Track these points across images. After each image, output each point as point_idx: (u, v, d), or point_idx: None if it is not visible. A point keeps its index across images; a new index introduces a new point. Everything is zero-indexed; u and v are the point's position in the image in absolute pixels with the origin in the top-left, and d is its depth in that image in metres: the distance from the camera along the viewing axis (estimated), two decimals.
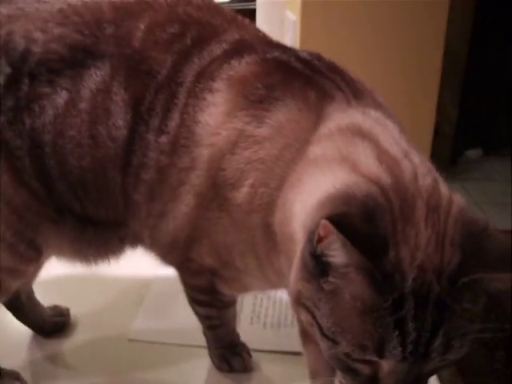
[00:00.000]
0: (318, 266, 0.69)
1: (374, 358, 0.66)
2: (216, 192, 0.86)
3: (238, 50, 0.89)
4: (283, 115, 0.82)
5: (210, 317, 1.08)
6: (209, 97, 0.86)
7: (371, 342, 0.65)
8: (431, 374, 0.71)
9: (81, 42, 0.91)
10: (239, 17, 0.98)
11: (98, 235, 1.01)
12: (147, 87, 0.89)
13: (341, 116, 0.81)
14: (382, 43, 2.62)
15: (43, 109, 0.90)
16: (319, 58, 0.91)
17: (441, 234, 0.67)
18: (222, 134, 0.85)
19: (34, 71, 0.90)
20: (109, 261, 1.06)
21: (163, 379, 1.16)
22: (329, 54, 0.91)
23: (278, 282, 0.90)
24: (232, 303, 1.09)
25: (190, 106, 0.87)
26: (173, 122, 0.88)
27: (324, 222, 0.64)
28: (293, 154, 0.81)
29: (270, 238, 0.85)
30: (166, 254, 0.99)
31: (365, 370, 0.69)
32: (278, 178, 0.82)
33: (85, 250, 1.03)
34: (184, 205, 0.89)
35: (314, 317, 0.70)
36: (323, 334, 0.69)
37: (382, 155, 0.74)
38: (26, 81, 0.90)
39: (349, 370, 0.71)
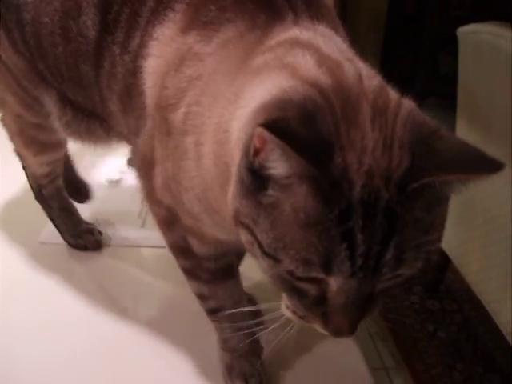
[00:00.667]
0: (255, 181, 0.62)
1: (321, 275, 0.61)
2: (161, 115, 0.81)
3: None
4: (230, 34, 0.77)
5: (202, 295, 0.96)
6: (170, 14, 0.83)
7: (316, 256, 0.59)
8: (384, 293, 0.66)
9: None
10: None
11: (84, 120, 1.04)
12: None
13: (284, 33, 0.75)
14: None
15: None
16: None
17: (389, 136, 0.61)
18: (172, 46, 0.81)
19: None
20: (98, 146, 1.10)
21: (75, 281, 1.16)
22: None
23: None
24: (222, 276, 0.96)
25: (151, 25, 0.84)
26: (134, 42, 0.85)
27: (259, 130, 0.57)
28: (231, 68, 0.75)
29: (207, 169, 0.76)
30: (139, 178, 0.94)
31: (312, 290, 0.64)
32: (211, 95, 0.75)
33: (76, 127, 1.06)
34: (147, 125, 0.87)
35: (253, 234, 0.64)
36: (264, 252, 0.63)
37: (323, 59, 0.68)
38: None
39: (295, 292, 0.65)
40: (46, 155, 1.18)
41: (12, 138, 1.16)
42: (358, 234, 0.57)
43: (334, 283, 0.61)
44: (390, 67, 3.98)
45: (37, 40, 0.95)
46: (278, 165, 0.59)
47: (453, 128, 2.03)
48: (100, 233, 1.26)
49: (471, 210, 1.99)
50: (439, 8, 4.02)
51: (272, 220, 0.61)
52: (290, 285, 0.64)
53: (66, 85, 0.99)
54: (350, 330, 0.64)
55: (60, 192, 1.25)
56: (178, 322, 1.08)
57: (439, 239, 0.65)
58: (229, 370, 0.99)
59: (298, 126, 0.58)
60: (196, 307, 0.96)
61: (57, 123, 1.07)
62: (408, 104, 0.65)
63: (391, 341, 2.22)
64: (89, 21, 0.89)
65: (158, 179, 0.84)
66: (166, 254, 0.93)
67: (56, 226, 1.25)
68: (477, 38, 1.79)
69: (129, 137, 0.94)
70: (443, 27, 4.00)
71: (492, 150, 1.77)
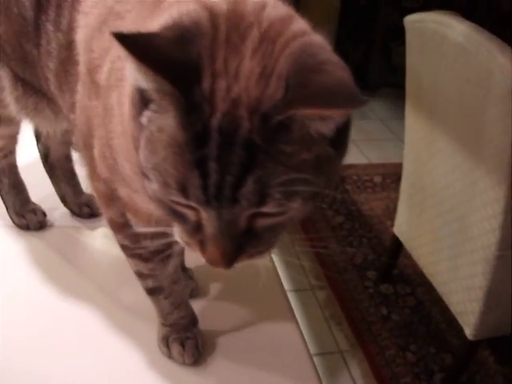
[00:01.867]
0: (140, 102, 0.62)
1: (181, 199, 0.60)
2: (91, 78, 0.80)
3: None
4: None
5: (141, 274, 0.95)
6: None
7: (174, 180, 0.59)
8: (269, 231, 0.64)
9: None
10: None
11: (33, 97, 1.03)
12: None
13: None
14: None
15: None
16: None
17: (269, 67, 0.58)
18: (93, 12, 0.81)
19: None
20: (49, 128, 1.10)
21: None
22: None
23: None
24: (160, 255, 0.94)
25: (76, 1, 0.84)
26: (64, 20, 0.86)
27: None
28: (146, 14, 0.73)
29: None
30: (81, 156, 0.93)
31: (190, 215, 0.64)
32: None
33: (24, 103, 1.05)
34: (80, 96, 0.85)
35: (138, 158, 0.64)
36: (141, 172, 0.64)
37: None
38: None
39: (177, 216, 0.65)
40: None
41: None
42: (211, 162, 0.57)
43: (203, 212, 0.61)
44: (344, 58, 4.01)
45: None
46: (139, 78, 0.59)
47: (404, 118, 2.07)
48: (44, 214, 1.26)
49: (421, 194, 2.04)
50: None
51: (145, 140, 0.61)
52: (171, 209, 0.64)
53: (13, 63, 1.00)
54: (224, 262, 0.64)
55: (12, 168, 1.25)
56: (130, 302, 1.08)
57: (327, 184, 0.63)
58: (166, 339, 0.99)
59: (166, 44, 0.57)
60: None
61: (9, 97, 1.07)
62: (310, 38, 0.62)
63: (346, 324, 2.26)
64: (26, 1, 0.90)
65: (96, 151, 0.83)
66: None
67: (3, 200, 1.26)
68: (422, 26, 1.83)
69: (68, 116, 0.94)
70: (395, 18, 4.07)
71: (437, 135, 1.83)
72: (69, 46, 0.86)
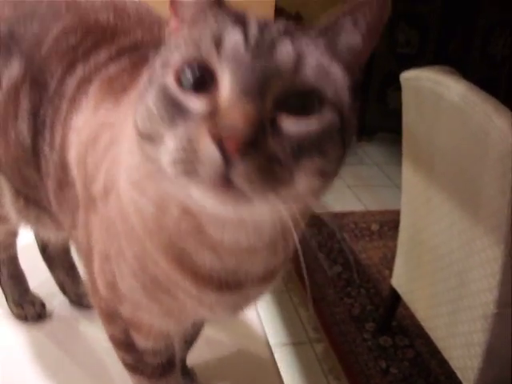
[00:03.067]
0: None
1: (213, 54, 0.56)
2: (88, 194, 0.80)
3: (123, 52, 0.86)
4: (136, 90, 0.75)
5: None
6: (83, 101, 0.83)
7: (209, 35, 0.58)
8: (291, 140, 0.55)
9: (16, 30, 0.91)
10: (158, 19, 0.94)
11: (36, 210, 1.03)
12: (42, 99, 0.87)
13: None
14: None
15: None
16: None
17: None
18: (85, 130, 0.82)
19: None
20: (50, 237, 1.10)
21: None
22: None
23: (178, 311, 0.77)
24: (163, 370, 0.91)
25: (69, 116, 0.84)
26: (58, 137, 0.86)
27: None
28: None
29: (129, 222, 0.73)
30: (84, 271, 0.90)
31: (199, 103, 0.56)
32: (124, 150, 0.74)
33: (26, 214, 1.05)
34: (81, 216, 0.84)
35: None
36: (161, 63, 0.61)
37: None
38: None
39: (176, 115, 0.56)
40: None
41: None
42: (252, 23, 0.58)
43: (226, 70, 0.55)
44: None
45: None
46: None
47: (400, 163, 2.09)
48: (43, 305, 1.25)
49: (419, 249, 2.04)
50: (387, 46, 4.14)
51: (187, 27, 0.63)
52: (175, 106, 0.57)
53: (13, 181, 0.99)
54: (245, 125, 0.52)
55: (12, 260, 1.26)
56: None
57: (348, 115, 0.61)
58: None
59: None
60: None
61: (9, 205, 1.07)
62: None
63: (345, 379, 2.24)
64: (24, 128, 0.90)
65: (95, 266, 0.82)
66: None
67: (3, 290, 1.25)
68: (418, 84, 1.86)
69: (69, 232, 0.94)
70: (391, 64, 4.13)
71: (434, 192, 1.83)
72: (63, 166, 0.86)
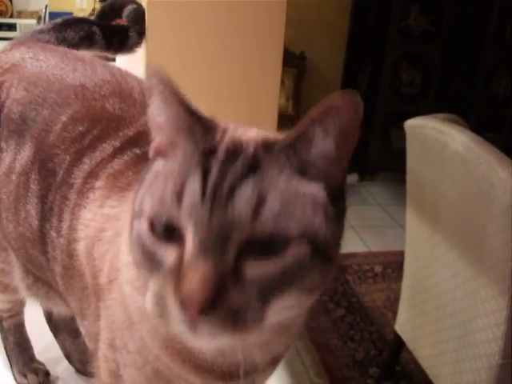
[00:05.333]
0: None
1: (174, 211, 0.59)
2: (95, 283, 0.82)
3: (127, 146, 0.89)
4: None
5: None
6: (91, 195, 0.86)
7: (172, 186, 0.60)
8: (254, 282, 0.58)
9: (27, 113, 0.93)
10: None
11: (45, 287, 1.05)
12: (50, 186, 0.90)
13: None
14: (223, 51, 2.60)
15: (0, 161, 0.95)
16: None
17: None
18: (92, 224, 0.84)
19: (3, 124, 0.94)
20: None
21: None
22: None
23: None
24: None
25: (77, 208, 0.87)
26: (65, 225, 0.88)
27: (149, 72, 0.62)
28: None
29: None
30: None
31: (170, 253, 0.59)
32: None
33: (36, 291, 1.09)
34: (91, 304, 0.86)
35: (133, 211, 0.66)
36: (134, 214, 0.64)
37: None
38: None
39: (154, 263, 0.60)
40: (6, 295, 1.20)
41: None
42: (214, 167, 0.59)
43: (188, 222, 0.58)
44: None
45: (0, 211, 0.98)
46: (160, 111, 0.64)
47: (405, 203, 2.08)
48: (47, 374, 1.25)
49: (423, 296, 2.03)
50: (390, 86, 4.17)
51: (148, 181, 0.64)
52: (150, 255, 0.60)
53: (21, 259, 1.01)
54: (201, 294, 0.54)
55: (19, 328, 1.27)
56: None
57: (333, 243, 0.63)
58: None
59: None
60: None
61: (18, 282, 1.08)
62: None
63: None
64: (32, 210, 0.93)
65: (100, 353, 0.83)
66: None
67: (8, 357, 1.25)
68: (423, 132, 1.87)
69: (78, 320, 0.94)
70: (395, 104, 4.15)
71: (439, 240, 1.82)
72: (70, 254, 0.88)
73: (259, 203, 0.57)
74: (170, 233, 0.59)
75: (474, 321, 1.72)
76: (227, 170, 0.58)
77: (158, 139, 0.66)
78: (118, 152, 0.89)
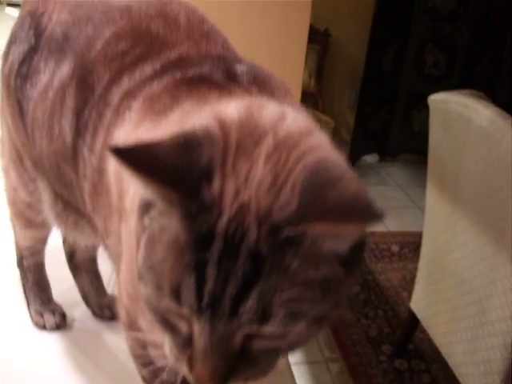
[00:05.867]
0: (144, 205, 0.61)
1: (173, 305, 0.57)
2: (121, 204, 0.80)
3: (167, 69, 0.85)
4: (178, 113, 0.76)
5: None
6: (127, 115, 0.84)
7: (168, 283, 0.56)
8: (265, 355, 0.59)
9: (70, 32, 0.94)
10: (208, 31, 0.93)
11: (73, 214, 1.05)
12: (87, 102, 0.89)
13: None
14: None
15: (37, 82, 0.96)
16: (253, 70, 0.84)
17: (283, 176, 0.56)
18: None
19: (43, 46, 0.96)
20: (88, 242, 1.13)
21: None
22: None
23: None
24: None
25: (112, 126, 0.85)
26: (98, 142, 0.87)
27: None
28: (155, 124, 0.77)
29: None
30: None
31: (182, 327, 0.59)
32: None
33: (65, 219, 1.07)
34: (114, 223, 0.85)
35: (136, 260, 0.63)
36: (139, 275, 0.61)
37: (247, 103, 0.66)
38: (38, 53, 0.96)
39: (168, 326, 0.61)
40: (30, 231, 1.20)
41: (8, 205, 1.20)
42: (210, 267, 0.53)
43: (195, 323, 0.57)
44: (365, 122, 4.06)
45: (32, 129, 0.99)
46: (141, 190, 0.58)
47: (424, 184, 2.07)
48: (63, 315, 1.25)
49: (440, 273, 2.02)
50: (415, 67, 4.13)
51: (146, 240, 0.59)
52: (163, 318, 0.60)
53: (52, 179, 1.01)
54: (212, 381, 0.58)
55: (38, 267, 1.27)
56: None
57: (335, 308, 0.58)
58: None
59: (166, 152, 0.55)
60: None
61: (47, 210, 1.08)
62: (325, 152, 0.61)
63: None
64: (67, 125, 0.92)
65: (121, 275, 0.82)
66: None
67: (25, 296, 1.26)
68: (447, 107, 1.84)
69: (102, 239, 0.95)
70: (418, 85, 4.11)
71: (459, 217, 1.80)
72: (100, 171, 0.87)
73: (265, 316, 0.55)
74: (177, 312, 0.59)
75: (490, 298, 1.70)
76: (225, 276, 0.53)
77: (138, 190, 0.61)
78: (157, 74, 0.85)
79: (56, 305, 1.26)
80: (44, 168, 1.01)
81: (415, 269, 2.20)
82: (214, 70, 0.83)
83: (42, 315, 1.24)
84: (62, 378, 1.10)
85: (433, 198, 2.03)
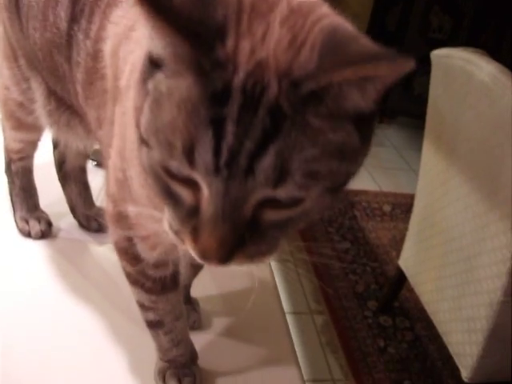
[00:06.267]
0: (150, 68, 0.57)
1: (184, 166, 0.53)
2: (115, 84, 0.78)
3: None
4: None
5: (142, 305, 0.91)
6: None
7: (180, 139, 0.52)
8: (275, 229, 0.57)
9: None
10: None
11: (66, 113, 1.04)
12: None
13: None
14: None
15: None
16: None
17: (300, 37, 0.53)
18: (123, 22, 0.80)
19: None
20: (79, 144, 1.12)
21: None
22: None
23: None
24: (164, 286, 0.90)
25: (109, 8, 0.83)
26: (94, 26, 0.85)
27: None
28: None
29: None
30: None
31: (186, 195, 0.56)
32: None
33: (57, 118, 1.06)
34: (108, 109, 0.83)
35: (138, 126, 0.59)
36: (141, 140, 0.57)
37: None
38: None
39: (171, 198, 0.58)
40: (20, 133, 1.18)
41: None
42: (229, 123, 0.50)
43: (204, 185, 0.54)
44: None
45: (26, 20, 0.96)
46: (154, 42, 0.55)
47: (420, 148, 2.06)
48: (49, 223, 1.25)
49: (430, 231, 2.02)
50: (419, 29, 4.07)
51: (150, 103, 0.56)
52: (166, 187, 0.57)
53: (45, 73, 1.00)
54: (220, 254, 0.55)
55: (26, 172, 1.25)
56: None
57: (346, 179, 0.57)
58: (163, 373, 0.97)
59: (186, 3, 0.52)
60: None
61: (40, 110, 1.07)
62: (338, 19, 0.59)
63: (342, 353, 2.23)
64: (62, 12, 0.89)
65: (110, 162, 0.80)
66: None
67: (12, 202, 1.25)
68: (449, 62, 1.82)
69: (96, 133, 0.93)
70: (421, 48, 4.06)
71: (453, 173, 1.80)
72: (95, 55, 0.85)
73: (282, 175, 0.52)
74: (184, 177, 0.55)
75: (479, 256, 1.71)
76: (244, 131, 0.50)
77: (150, 45, 0.56)
78: None
79: (42, 212, 1.25)
80: (38, 63, 0.99)
81: (405, 229, 2.21)
82: None
83: (27, 222, 1.23)
84: (45, 286, 1.11)
85: (429, 154, 2.02)
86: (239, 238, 0.55)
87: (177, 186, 0.56)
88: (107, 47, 0.82)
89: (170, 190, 0.57)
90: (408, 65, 0.51)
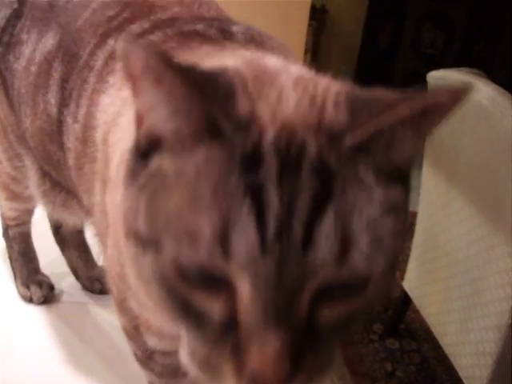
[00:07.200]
0: (140, 159, 0.50)
1: (217, 258, 0.42)
2: (106, 173, 0.77)
3: (156, 27, 0.80)
4: None
5: None
6: (110, 79, 0.81)
7: (207, 220, 0.42)
8: (335, 328, 0.47)
9: (56, 2, 0.91)
10: None
11: (62, 194, 1.04)
12: (72, 70, 0.87)
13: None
14: None
15: (20, 55, 0.93)
16: (250, 30, 0.81)
17: (318, 98, 0.50)
18: (110, 110, 0.79)
19: (27, 13, 0.92)
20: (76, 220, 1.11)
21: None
22: None
23: None
24: (174, 373, 0.83)
25: (95, 94, 0.82)
26: (82, 110, 0.85)
27: (138, 55, 0.45)
28: None
29: None
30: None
31: (214, 307, 0.45)
32: None
33: (52, 198, 1.05)
34: (97, 194, 0.80)
35: (135, 230, 0.50)
36: (144, 243, 0.47)
37: (244, 55, 0.63)
38: (21, 21, 0.92)
39: (193, 317, 0.46)
40: (15, 203, 1.18)
41: None
42: (270, 188, 0.42)
43: (241, 278, 0.42)
44: None
45: (18, 105, 0.96)
46: (161, 112, 0.47)
47: (420, 163, 2.04)
48: (51, 287, 1.23)
49: (434, 253, 2.00)
50: (411, 45, 4.09)
51: (150, 194, 0.47)
52: (186, 303, 0.46)
53: (39, 158, 0.99)
54: (277, 374, 0.42)
55: (24, 237, 1.24)
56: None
57: (403, 240, 0.50)
58: None
59: (198, 72, 0.48)
60: None
61: (34, 190, 1.05)
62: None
63: (350, 379, 2.20)
64: (52, 98, 0.89)
65: (108, 252, 0.78)
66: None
67: (12, 268, 1.23)
68: (445, 84, 1.81)
69: (90, 216, 0.92)
70: (414, 63, 4.08)
71: (455, 196, 1.78)
72: (84, 139, 0.84)
73: (346, 244, 0.43)
74: (210, 280, 0.44)
75: (485, 279, 1.69)
76: (291, 195, 0.42)
77: (151, 119, 0.49)
78: (146, 32, 0.78)
79: (43, 276, 1.24)
80: (30, 146, 0.98)
81: (408, 248, 2.18)
82: (208, 28, 0.78)
83: (28, 287, 1.21)
84: (47, 353, 1.08)
85: (429, 175, 2.01)
86: (298, 348, 0.44)
87: (198, 296, 0.45)
88: (98, 135, 0.81)
89: (187, 304, 0.46)
90: (464, 93, 0.51)
